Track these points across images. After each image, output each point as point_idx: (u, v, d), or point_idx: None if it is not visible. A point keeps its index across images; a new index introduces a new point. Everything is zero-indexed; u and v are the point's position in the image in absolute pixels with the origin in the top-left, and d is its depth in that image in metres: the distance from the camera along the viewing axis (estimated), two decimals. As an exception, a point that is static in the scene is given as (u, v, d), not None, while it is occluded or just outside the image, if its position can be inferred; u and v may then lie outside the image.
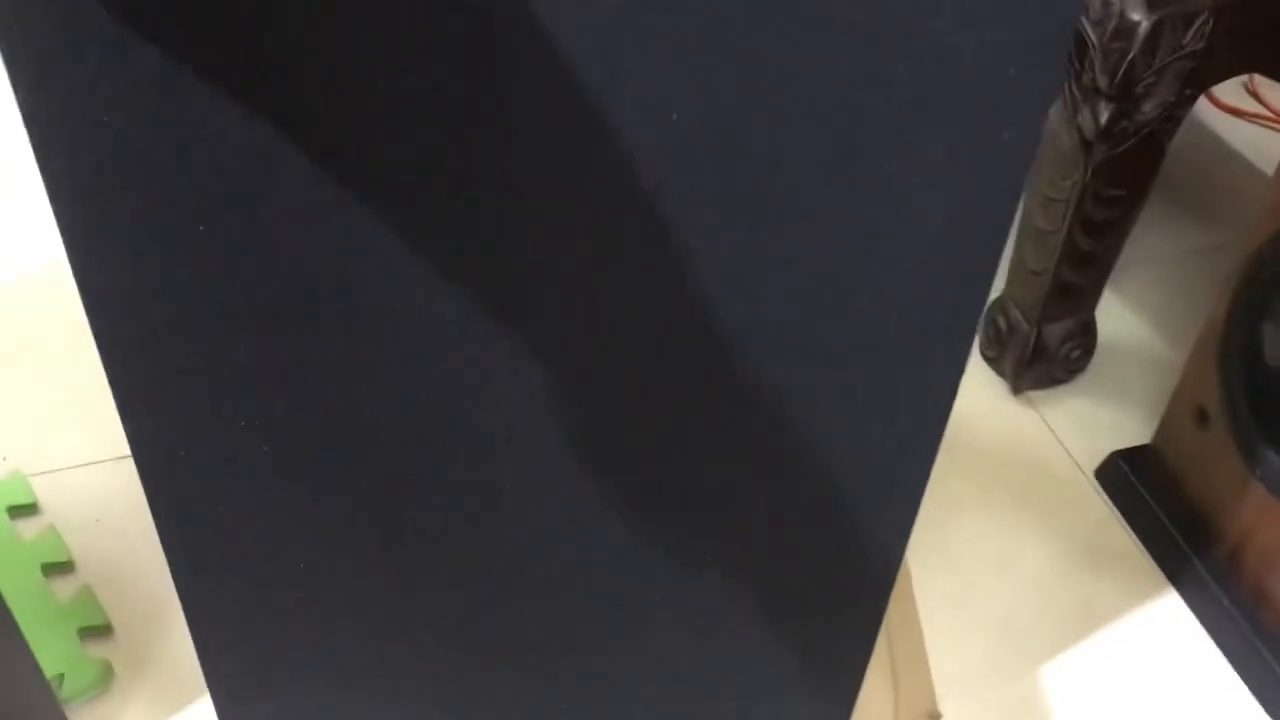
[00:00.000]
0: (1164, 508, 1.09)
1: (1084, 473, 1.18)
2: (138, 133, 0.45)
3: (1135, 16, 0.95)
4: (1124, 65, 0.96)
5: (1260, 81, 1.72)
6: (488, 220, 0.49)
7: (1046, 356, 1.21)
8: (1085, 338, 1.22)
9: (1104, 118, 0.99)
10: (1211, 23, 0.96)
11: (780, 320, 0.54)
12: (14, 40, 0.41)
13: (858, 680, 0.78)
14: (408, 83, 0.44)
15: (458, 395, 0.57)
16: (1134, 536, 1.12)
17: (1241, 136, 1.65)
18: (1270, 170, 1.59)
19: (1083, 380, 1.26)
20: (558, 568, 0.67)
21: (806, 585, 0.69)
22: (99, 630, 0.98)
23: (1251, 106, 1.69)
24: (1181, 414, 1.07)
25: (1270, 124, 1.68)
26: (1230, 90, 1.69)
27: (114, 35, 0.42)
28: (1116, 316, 1.34)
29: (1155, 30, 0.95)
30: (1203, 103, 1.66)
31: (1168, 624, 1.06)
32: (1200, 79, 1.00)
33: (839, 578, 0.69)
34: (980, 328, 1.27)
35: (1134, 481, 1.12)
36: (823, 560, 0.68)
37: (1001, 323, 1.22)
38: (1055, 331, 1.20)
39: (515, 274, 0.51)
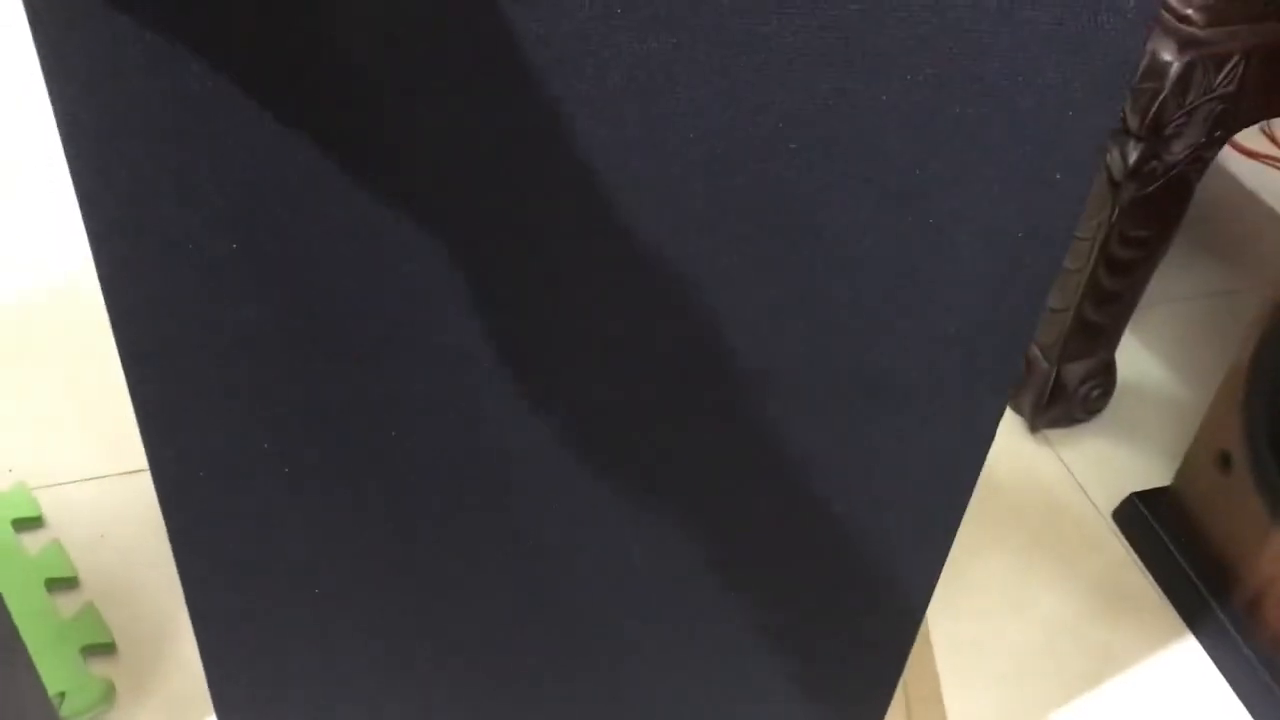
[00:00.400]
0: (1183, 552, 1.08)
1: (1102, 514, 1.17)
2: (174, 152, 0.44)
3: (1167, 57, 0.94)
4: (1154, 106, 0.95)
5: (1277, 125, 1.71)
6: (514, 249, 0.48)
7: (1065, 396, 1.20)
8: (1105, 377, 1.21)
9: (1133, 158, 0.99)
10: (1244, 66, 0.96)
11: (819, 364, 0.53)
12: (58, 58, 0.41)
13: (877, 723, 0.77)
14: (446, 120, 0.44)
15: (480, 423, 0.56)
16: (1152, 580, 1.11)
17: (1259, 180, 1.65)
18: (1289, 214, 1.58)
19: (1101, 420, 1.25)
20: (577, 603, 0.65)
21: (830, 626, 0.68)
22: (102, 649, 0.96)
23: (1270, 150, 1.69)
24: (1203, 457, 1.05)
25: (1288, 168, 1.67)
26: (1249, 134, 1.68)
27: (156, 53, 0.41)
28: (1136, 357, 1.33)
29: (1186, 71, 0.94)
30: (1222, 145, 1.65)
31: (1186, 671, 1.04)
32: (1230, 121, 1.00)
33: (863, 624, 0.68)
34: (998, 365, 1.25)
35: (1153, 524, 1.11)
36: (847, 607, 0.66)
37: (1026, 344, 1.21)
38: (1075, 371, 1.19)
39: (543, 307, 0.50)
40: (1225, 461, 1.02)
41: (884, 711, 0.76)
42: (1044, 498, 1.18)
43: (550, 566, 0.63)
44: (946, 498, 0.61)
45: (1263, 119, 1.04)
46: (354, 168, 0.46)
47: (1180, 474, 1.10)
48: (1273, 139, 1.71)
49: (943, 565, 0.65)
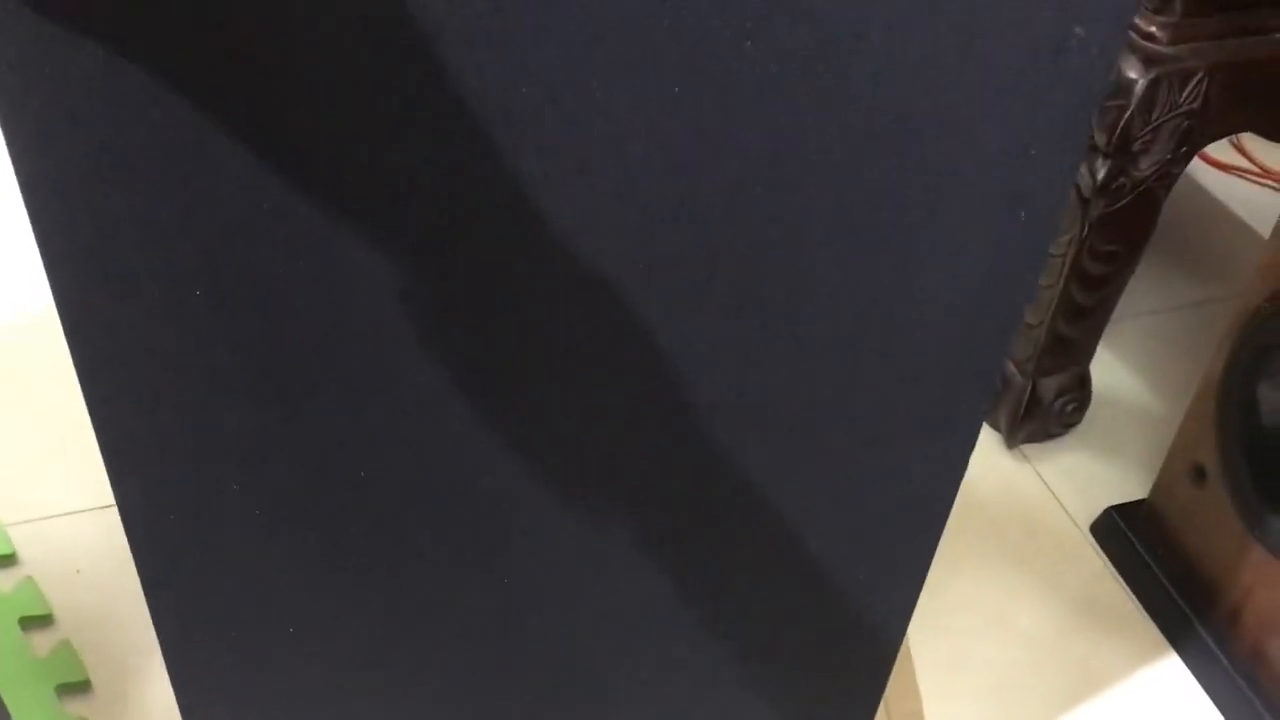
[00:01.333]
0: (1161, 565, 1.08)
1: (1080, 528, 1.17)
2: (137, 196, 0.44)
3: (1132, 74, 0.95)
4: (1121, 122, 0.96)
5: (1248, 138, 1.73)
6: (484, 288, 0.48)
7: (1041, 410, 1.20)
8: (1080, 391, 1.22)
9: (1101, 174, 0.99)
10: (1207, 82, 0.96)
11: (792, 400, 0.53)
12: (13, 106, 0.40)
13: (858, 746, 0.76)
14: (412, 161, 0.44)
15: (452, 460, 0.55)
16: (1131, 594, 1.11)
17: (1229, 192, 1.66)
18: (1258, 226, 1.60)
19: (1077, 434, 1.26)
20: (553, 636, 0.65)
21: (810, 653, 0.68)
22: (78, 687, 0.95)
23: (1240, 163, 1.71)
24: (1178, 470, 1.06)
25: (1258, 180, 1.69)
26: (1219, 147, 1.70)
27: (118, 96, 0.41)
28: (1110, 371, 1.34)
29: (1151, 88, 0.95)
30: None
31: (1166, 684, 1.04)
32: (1196, 136, 1.00)
33: (842, 650, 0.68)
34: (974, 381, 1.26)
35: (1130, 538, 1.11)
36: (827, 633, 0.66)
37: (996, 377, 1.22)
38: (1050, 385, 1.19)
39: (515, 347, 0.50)
40: (1200, 474, 1.02)
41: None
42: (1022, 513, 1.18)
43: (525, 601, 0.63)
44: (922, 526, 0.61)
45: (1227, 134, 1.05)
46: (318, 208, 0.46)
47: (1156, 487, 1.10)
48: (1242, 152, 1.72)
49: (920, 590, 0.65)
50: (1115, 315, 1.18)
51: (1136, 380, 1.34)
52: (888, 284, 0.48)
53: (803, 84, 0.42)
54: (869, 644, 0.68)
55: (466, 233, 0.46)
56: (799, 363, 0.51)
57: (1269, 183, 1.68)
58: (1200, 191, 1.66)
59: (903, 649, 1.02)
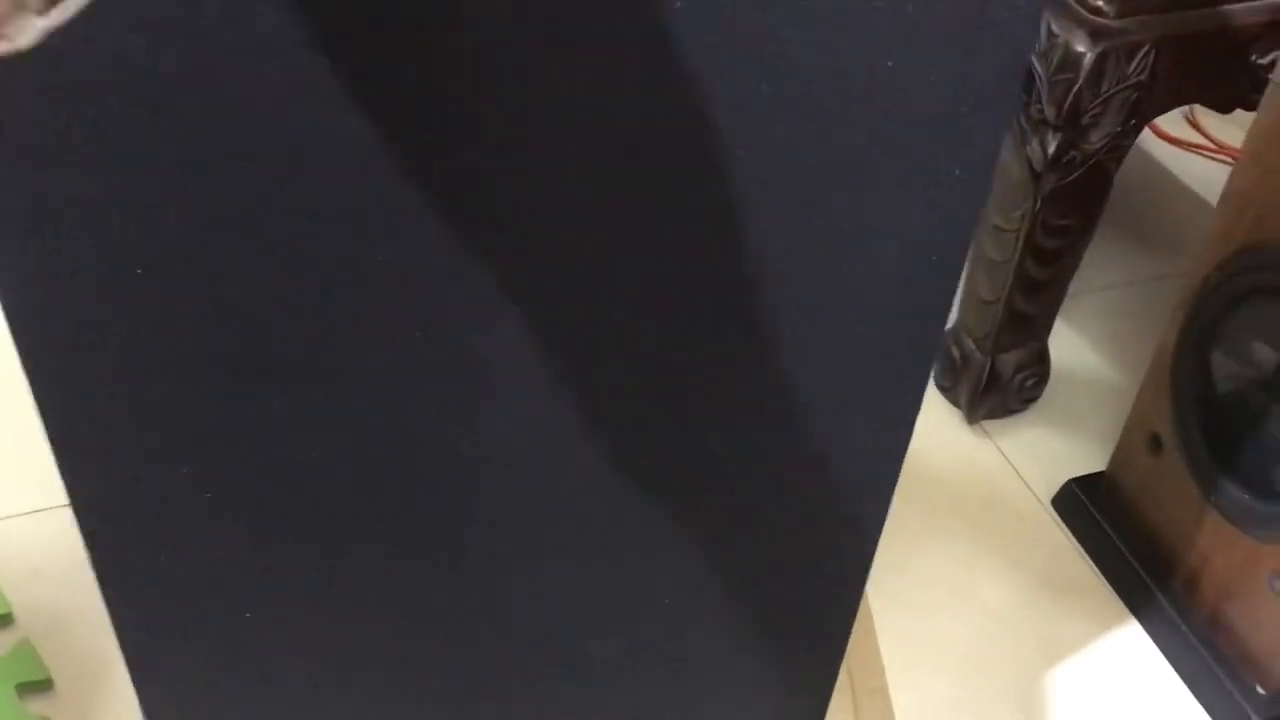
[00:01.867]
0: (1121, 536, 1.09)
1: (1041, 502, 1.18)
2: (79, 175, 0.43)
3: (1080, 48, 0.96)
4: (1070, 96, 0.97)
5: (1201, 112, 1.75)
6: (433, 269, 0.48)
7: (1001, 386, 1.21)
8: (1039, 366, 1.23)
9: (1052, 148, 1.00)
10: (1154, 54, 0.97)
11: (735, 361, 0.53)
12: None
13: (820, 717, 0.77)
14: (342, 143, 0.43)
15: (404, 440, 0.55)
16: (1093, 566, 1.12)
17: (1183, 166, 1.68)
18: (1213, 200, 1.61)
19: (1037, 409, 1.27)
20: (518, 611, 0.65)
21: (767, 623, 0.68)
22: (38, 686, 0.94)
23: (1193, 137, 1.72)
24: (1135, 441, 1.07)
25: (1211, 154, 1.71)
26: (1172, 121, 1.71)
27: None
28: (1068, 345, 1.35)
29: (1099, 61, 0.96)
30: (1146, 133, 1.68)
31: (1129, 653, 1.05)
32: (1144, 109, 1.01)
33: (798, 616, 0.68)
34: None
35: (1090, 510, 1.12)
36: (783, 599, 0.66)
37: (955, 353, 1.23)
38: (1009, 361, 1.20)
39: (471, 325, 0.50)
40: (1156, 444, 1.04)
41: (826, 702, 0.76)
42: (984, 488, 1.19)
43: (492, 590, 0.63)
44: (873, 490, 0.61)
45: (1176, 105, 1.06)
46: (265, 190, 0.45)
47: (1114, 459, 1.12)
48: (1196, 127, 1.74)
49: (873, 555, 0.66)
50: (1072, 290, 1.19)
51: (1095, 354, 1.35)
52: (828, 248, 0.49)
53: (735, 46, 0.42)
54: (825, 610, 0.68)
55: (419, 218, 0.45)
56: (741, 331, 0.51)
57: (1223, 157, 1.69)
58: (1155, 166, 1.67)
59: (867, 625, 1.03)
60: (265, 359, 0.51)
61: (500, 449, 0.55)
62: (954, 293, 0.53)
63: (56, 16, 0.22)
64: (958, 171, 0.47)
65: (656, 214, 0.47)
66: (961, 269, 0.52)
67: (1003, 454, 1.23)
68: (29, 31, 0.21)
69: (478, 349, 0.51)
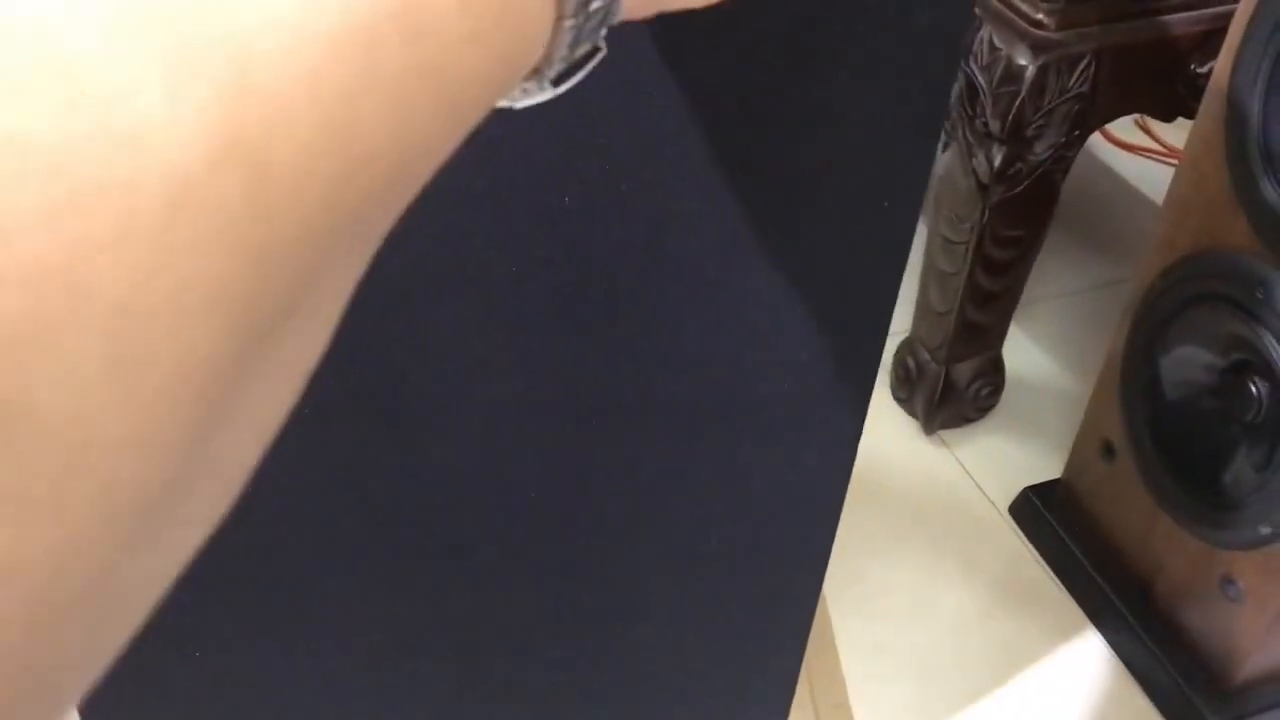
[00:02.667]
0: (1077, 542, 1.10)
1: (999, 510, 1.19)
2: None
3: (1022, 61, 0.97)
4: (1013, 109, 0.98)
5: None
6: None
7: (956, 395, 1.22)
8: (994, 375, 1.24)
9: (997, 160, 1.01)
10: (1095, 66, 0.98)
11: (679, 384, 0.53)
12: None
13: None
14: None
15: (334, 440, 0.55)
16: (1050, 572, 1.13)
17: (1134, 171, 1.70)
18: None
19: (994, 418, 1.28)
20: (480, 610, 0.65)
21: (720, 639, 0.68)
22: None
23: (1143, 141, 1.74)
24: (1089, 448, 1.08)
25: (1161, 158, 1.72)
26: (1122, 125, 1.73)
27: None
28: (1023, 353, 1.36)
29: (1041, 74, 0.97)
30: (1096, 137, 1.70)
31: (1086, 659, 1.06)
32: (1087, 120, 1.02)
33: (752, 631, 0.68)
34: (890, 369, 1.27)
35: (1047, 517, 1.13)
36: (736, 615, 0.67)
37: (911, 364, 1.23)
38: (964, 371, 1.21)
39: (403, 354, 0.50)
40: (1109, 451, 1.04)
41: (785, 716, 0.76)
42: (942, 497, 1.20)
43: (431, 586, 0.62)
44: (820, 508, 0.62)
45: (1118, 116, 1.07)
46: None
47: (1069, 466, 1.12)
48: (1147, 131, 1.76)
49: (825, 569, 0.66)
50: (1026, 298, 1.20)
51: (1050, 362, 1.36)
52: (765, 272, 0.49)
53: (670, 73, 0.43)
54: (778, 625, 0.69)
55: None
56: (679, 355, 0.51)
57: (1173, 161, 1.71)
58: (1106, 172, 1.69)
59: (828, 639, 1.03)
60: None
61: (430, 481, 0.55)
62: (889, 319, 0.53)
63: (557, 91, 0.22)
64: (885, 202, 0.47)
65: (582, 229, 0.47)
66: (894, 294, 0.52)
67: (960, 463, 1.23)
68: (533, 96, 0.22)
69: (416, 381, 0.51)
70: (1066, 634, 1.08)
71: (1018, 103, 0.97)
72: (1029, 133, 0.99)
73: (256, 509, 0.58)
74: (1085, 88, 0.99)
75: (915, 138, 0.48)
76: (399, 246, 0.45)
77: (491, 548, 0.60)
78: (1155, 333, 0.97)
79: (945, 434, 1.26)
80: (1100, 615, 1.08)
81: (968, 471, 1.22)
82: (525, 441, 0.55)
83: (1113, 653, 1.06)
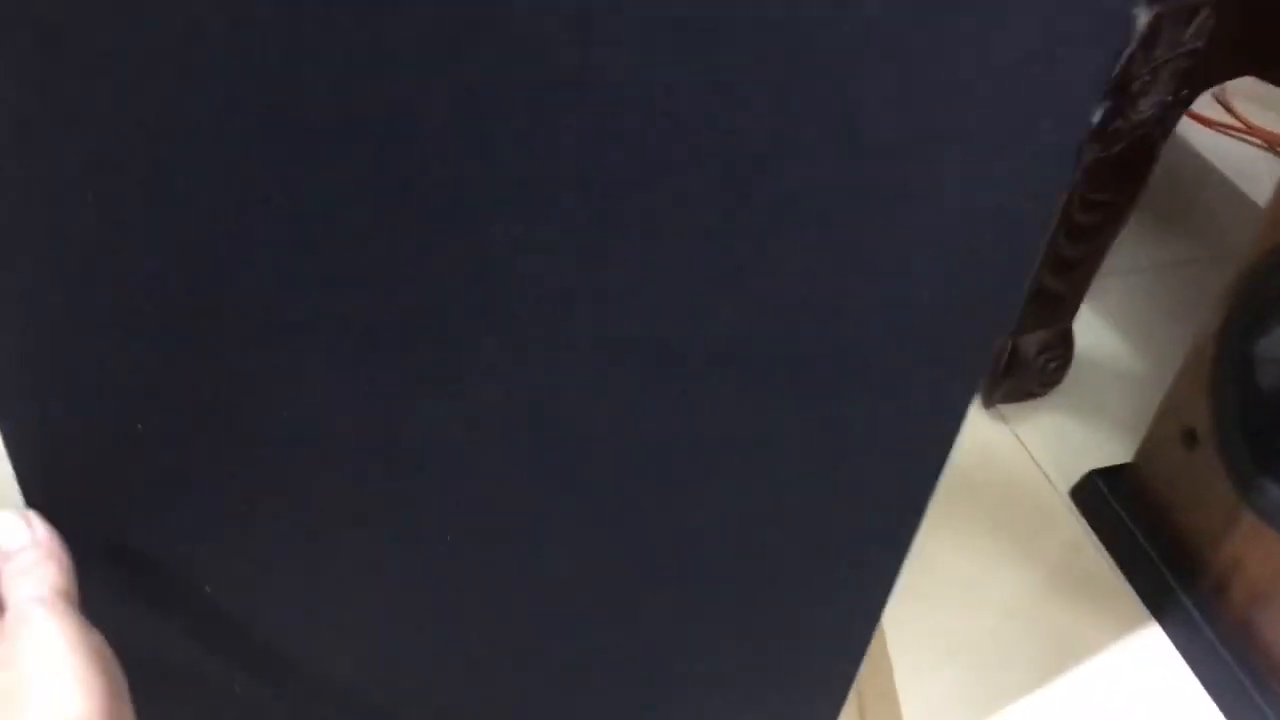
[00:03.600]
0: (1145, 533, 1.03)
1: (1059, 492, 1.12)
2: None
3: (1134, 10, 0.89)
4: (1121, 61, 0.89)
5: (1232, 92, 1.68)
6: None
7: (1022, 368, 1.15)
8: (1063, 349, 1.16)
9: (1098, 116, 0.93)
10: (1213, 20, 0.90)
11: (775, 337, 0.46)
12: None
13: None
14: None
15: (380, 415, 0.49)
16: (1112, 562, 1.06)
17: (1214, 149, 1.61)
18: (1243, 184, 1.55)
19: (1058, 396, 1.20)
20: (494, 583, 0.58)
21: (781, 622, 0.62)
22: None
23: (1223, 118, 1.65)
24: (1167, 434, 1.01)
25: (1240, 136, 1.64)
26: (1205, 102, 1.64)
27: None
28: (1091, 330, 1.28)
29: (1155, 25, 0.89)
30: (1176, 111, 1.61)
31: (1148, 657, 1.00)
32: (1198, 79, 0.94)
33: (818, 617, 0.62)
34: (952, 337, 1.20)
35: (1113, 504, 1.06)
36: (803, 597, 0.60)
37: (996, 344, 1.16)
38: (1031, 342, 1.14)
39: (449, 277, 0.43)
40: (1190, 438, 0.97)
41: (838, 713, 0.70)
42: (999, 476, 1.13)
43: (464, 540, 0.56)
44: (913, 483, 0.55)
45: (1229, 77, 1.00)
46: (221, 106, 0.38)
47: (1142, 451, 1.05)
48: (1228, 108, 1.67)
49: (905, 555, 0.59)
50: (1097, 273, 1.13)
51: (1120, 340, 1.29)
52: (892, 208, 0.42)
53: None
54: (848, 612, 0.62)
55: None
56: (783, 295, 0.44)
57: (1254, 140, 1.63)
58: (1186, 149, 1.60)
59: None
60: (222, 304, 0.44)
61: (489, 423, 0.49)
62: (1029, 277, 0.46)
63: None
64: (1050, 125, 0.40)
65: (698, 158, 0.40)
66: (1039, 249, 0.45)
67: (1020, 440, 1.16)
68: None
69: (469, 303, 0.44)
70: (1127, 628, 1.02)
71: (1127, 55, 0.89)
72: (1135, 88, 0.91)
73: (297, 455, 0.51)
74: (1200, 43, 0.90)
75: (1082, 66, 0.40)
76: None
77: (539, 501, 0.54)
78: (1255, 319, 0.90)
79: (1005, 409, 1.19)
80: (1165, 611, 1.01)
81: (1028, 450, 1.16)
82: (587, 374, 0.48)
83: (1177, 652, 0.99)
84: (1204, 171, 1.57)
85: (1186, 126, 1.63)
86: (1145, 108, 0.93)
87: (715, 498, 0.53)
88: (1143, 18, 0.88)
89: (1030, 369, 1.15)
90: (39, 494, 0.53)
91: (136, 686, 0.50)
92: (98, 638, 0.48)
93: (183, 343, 0.46)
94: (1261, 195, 1.51)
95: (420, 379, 0.47)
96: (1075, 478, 1.12)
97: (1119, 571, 1.05)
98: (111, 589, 0.56)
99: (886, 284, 0.45)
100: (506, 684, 0.64)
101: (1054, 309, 1.12)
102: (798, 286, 0.44)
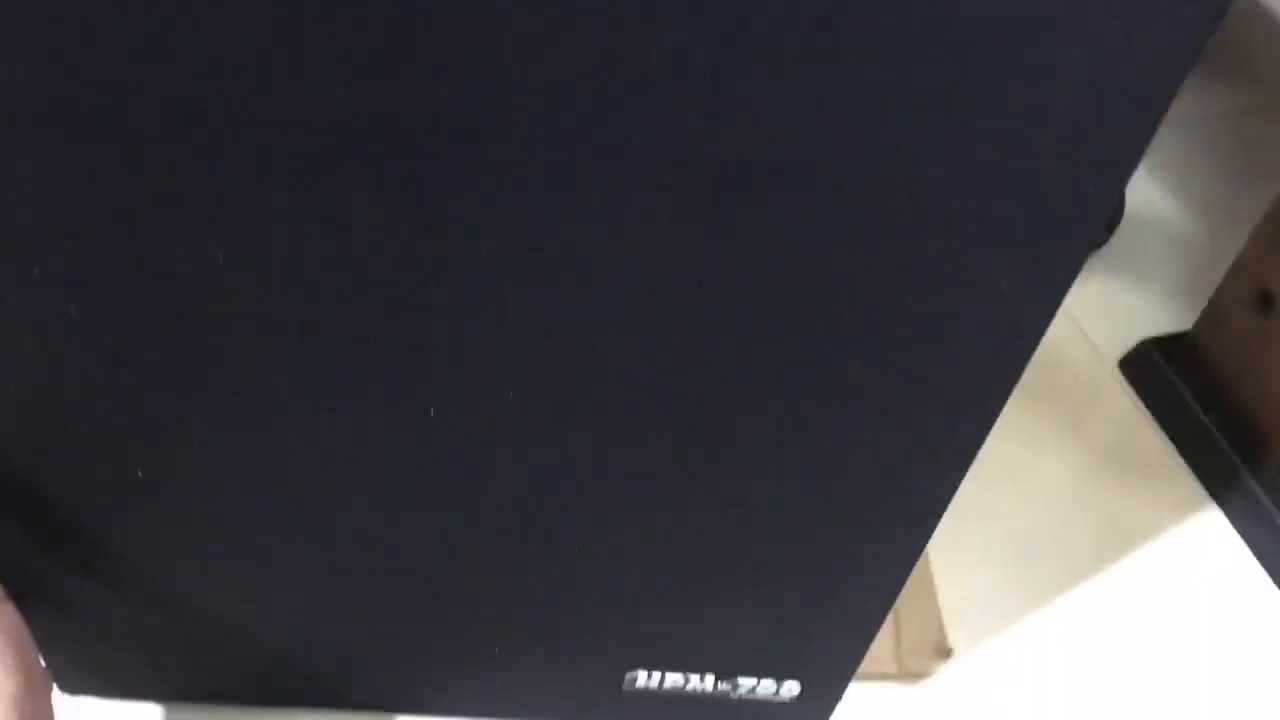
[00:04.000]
0: (1206, 408, 0.94)
1: (1107, 364, 1.03)
2: None
3: None
4: None
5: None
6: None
7: (1068, 229, 1.04)
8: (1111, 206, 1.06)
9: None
10: None
11: (861, 169, 0.38)
12: None
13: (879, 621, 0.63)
14: None
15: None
16: (1167, 440, 0.97)
17: (1269, -13, 1.48)
18: (1302, 25, 1.42)
19: (1106, 258, 1.10)
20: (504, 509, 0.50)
21: (837, 529, 0.54)
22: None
23: (1280, -46, 1.51)
24: (1236, 297, 0.90)
25: (1300, -26, 1.50)
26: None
27: None
28: (1142, 186, 1.17)
29: None
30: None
31: (1206, 542, 0.91)
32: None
33: (867, 528, 0.54)
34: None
35: (1170, 376, 0.97)
36: (854, 506, 0.52)
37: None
38: (1080, 200, 1.03)
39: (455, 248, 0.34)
40: (1265, 302, 0.87)
41: (877, 629, 0.62)
42: (1043, 346, 1.03)
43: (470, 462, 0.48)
44: (995, 370, 0.47)
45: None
46: None
47: (1205, 318, 0.95)
48: (1283, -58, 1.53)
49: (972, 460, 0.51)
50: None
51: (1173, 197, 1.18)
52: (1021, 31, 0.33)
53: None
54: (899, 520, 0.55)
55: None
56: (873, 121, 0.36)
57: (1314, -22, 1.49)
58: (1241, -15, 1.47)
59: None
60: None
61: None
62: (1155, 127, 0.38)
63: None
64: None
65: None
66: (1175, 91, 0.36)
67: (1064, 306, 1.06)
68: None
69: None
70: (1183, 510, 0.93)
71: None
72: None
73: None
74: None
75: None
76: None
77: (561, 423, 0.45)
78: (1349, 159, 0.79)
79: (1048, 273, 1.09)
80: (1226, 492, 0.92)
81: (1074, 317, 1.06)
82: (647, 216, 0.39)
83: (1238, 535, 0.91)
84: (1255, 14, 1.44)
85: (1240, -36, 1.49)
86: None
87: (772, 349, 0.45)
88: None
89: (1077, 229, 1.05)
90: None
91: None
92: (10, 614, 0.43)
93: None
94: (1323, 39, 1.38)
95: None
96: (1126, 348, 1.02)
97: (1174, 449, 0.97)
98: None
99: (1003, 111, 0.36)
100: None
101: (1107, 161, 1.01)
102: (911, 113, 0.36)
